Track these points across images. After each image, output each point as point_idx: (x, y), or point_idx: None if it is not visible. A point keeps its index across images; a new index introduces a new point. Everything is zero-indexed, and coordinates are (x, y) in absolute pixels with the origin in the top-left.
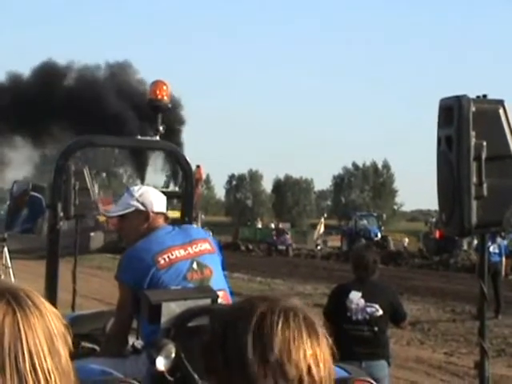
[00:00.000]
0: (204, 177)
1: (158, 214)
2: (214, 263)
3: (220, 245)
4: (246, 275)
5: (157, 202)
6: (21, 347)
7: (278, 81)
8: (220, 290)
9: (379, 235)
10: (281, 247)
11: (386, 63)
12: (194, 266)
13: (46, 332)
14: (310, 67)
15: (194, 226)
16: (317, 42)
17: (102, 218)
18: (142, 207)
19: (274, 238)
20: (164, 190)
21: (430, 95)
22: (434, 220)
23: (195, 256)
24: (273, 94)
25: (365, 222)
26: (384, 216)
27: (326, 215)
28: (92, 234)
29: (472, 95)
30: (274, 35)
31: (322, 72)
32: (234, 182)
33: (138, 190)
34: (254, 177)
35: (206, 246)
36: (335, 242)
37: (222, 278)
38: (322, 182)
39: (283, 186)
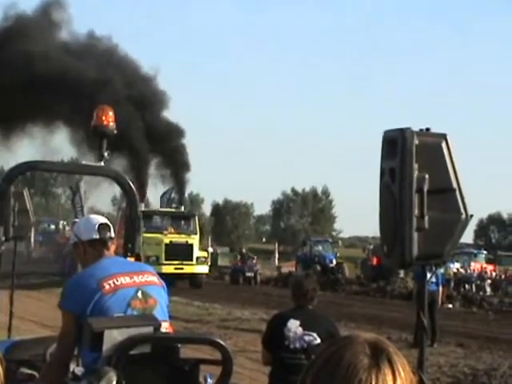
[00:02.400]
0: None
1: (89, 242)
2: (160, 296)
3: (167, 287)
4: (185, 299)
5: (85, 230)
6: None
7: (215, 103)
8: (164, 321)
9: (334, 262)
10: (248, 274)
11: (330, 87)
12: (139, 294)
13: None
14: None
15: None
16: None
17: None
18: (76, 238)
19: (239, 264)
20: (164, 209)
21: (372, 124)
22: (371, 247)
23: (141, 285)
24: (211, 118)
25: (320, 247)
26: (340, 242)
27: (264, 240)
28: None
29: (415, 128)
30: None
31: (260, 95)
32: (174, 205)
33: (77, 221)
34: (195, 200)
35: (153, 278)
36: (289, 267)
37: (165, 311)
38: (262, 207)
39: (222, 210)
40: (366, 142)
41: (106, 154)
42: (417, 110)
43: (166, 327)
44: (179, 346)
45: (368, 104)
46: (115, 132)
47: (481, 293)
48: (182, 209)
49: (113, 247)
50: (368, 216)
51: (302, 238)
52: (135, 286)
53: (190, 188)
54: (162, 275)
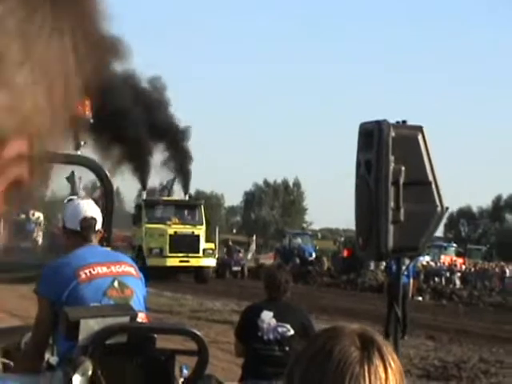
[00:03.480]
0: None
1: (71, 230)
2: (137, 287)
3: (145, 279)
4: (155, 289)
5: (70, 219)
6: None
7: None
8: (140, 311)
9: (314, 255)
10: (235, 268)
11: (306, 80)
12: (115, 284)
13: None
14: (223, 79)
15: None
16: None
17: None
18: (62, 222)
19: (225, 257)
20: (167, 198)
21: (346, 117)
22: (342, 239)
23: (117, 275)
24: (187, 107)
25: (299, 240)
26: (319, 235)
27: (235, 231)
28: None
29: (392, 120)
30: None
31: (233, 86)
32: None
33: (67, 202)
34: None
35: (130, 269)
36: (268, 260)
37: (141, 301)
38: (233, 198)
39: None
40: (339, 134)
41: (82, 142)
42: (392, 102)
43: (142, 318)
44: (155, 336)
45: (341, 96)
46: (91, 121)
47: (451, 286)
48: (187, 198)
49: (97, 237)
50: (339, 208)
51: (282, 231)
52: (112, 275)
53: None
54: (167, 268)
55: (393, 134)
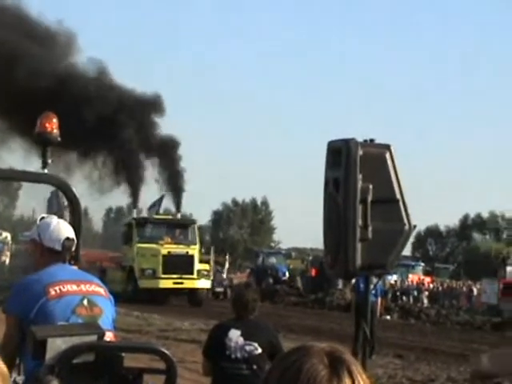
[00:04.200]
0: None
1: (49, 249)
2: (106, 306)
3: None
4: (123, 309)
5: (50, 237)
6: None
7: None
8: (108, 330)
9: (287, 274)
10: (218, 289)
11: (274, 96)
12: (85, 302)
13: None
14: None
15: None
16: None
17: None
18: (37, 238)
19: None
20: (159, 217)
21: (313, 135)
22: (310, 258)
23: (87, 293)
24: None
25: (273, 259)
26: (292, 254)
27: (203, 250)
28: None
29: (359, 139)
30: None
31: (199, 102)
32: (113, 215)
33: (44, 219)
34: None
35: (99, 289)
36: (242, 279)
37: (110, 321)
38: (201, 217)
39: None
40: (307, 152)
41: (49, 161)
42: (360, 120)
43: (110, 337)
44: (123, 355)
45: (309, 115)
46: (59, 139)
47: (418, 304)
48: (179, 216)
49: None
50: (307, 228)
51: (251, 250)
52: (81, 293)
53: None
54: (159, 290)
55: (361, 152)
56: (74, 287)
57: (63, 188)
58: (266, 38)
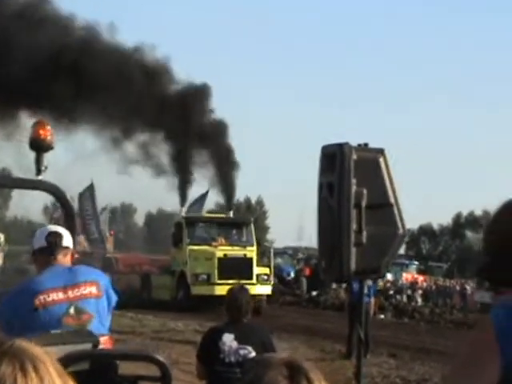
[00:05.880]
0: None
1: (39, 250)
2: (96, 309)
3: (114, 287)
4: (117, 310)
5: (37, 238)
6: None
7: None
8: (101, 335)
9: (292, 274)
10: None
11: (270, 100)
12: (71, 311)
13: None
14: None
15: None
16: None
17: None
18: (32, 248)
19: None
20: (211, 215)
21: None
22: (301, 257)
23: (74, 300)
24: None
25: (278, 260)
26: (299, 254)
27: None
28: None
29: (353, 143)
30: None
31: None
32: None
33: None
34: (127, 210)
35: (90, 289)
36: None
37: (102, 324)
38: None
39: (156, 220)
40: (302, 154)
41: (43, 167)
42: (354, 124)
43: (104, 341)
44: (117, 362)
45: (304, 116)
46: (53, 146)
47: (412, 303)
48: (231, 214)
49: (68, 256)
50: (302, 227)
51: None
52: (68, 301)
53: (124, 198)
54: (215, 297)
55: (355, 156)
56: (61, 295)
57: (57, 195)
58: (260, 40)
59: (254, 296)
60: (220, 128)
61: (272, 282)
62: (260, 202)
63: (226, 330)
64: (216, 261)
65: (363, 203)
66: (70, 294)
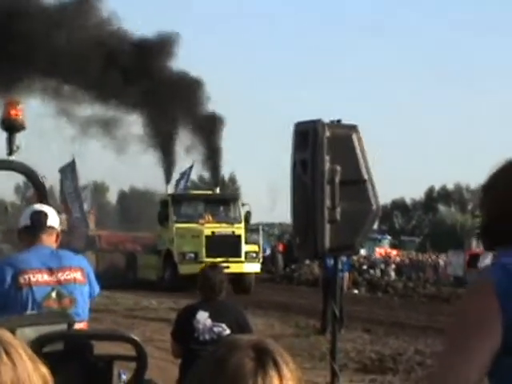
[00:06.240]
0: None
1: (23, 228)
2: (79, 294)
3: (97, 276)
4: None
5: (22, 217)
6: None
7: None
8: (80, 320)
9: (268, 251)
10: None
11: (238, 72)
12: (53, 294)
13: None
14: None
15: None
16: None
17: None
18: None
19: None
20: (197, 192)
21: (280, 114)
22: (277, 233)
23: (58, 284)
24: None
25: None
26: (276, 231)
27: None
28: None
29: (326, 120)
30: None
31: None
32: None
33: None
34: (100, 188)
35: (75, 275)
36: None
37: (82, 310)
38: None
39: (129, 198)
40: (275, 132)
41: (15, 147)
42: (327, 101)
43: (80, 326)
44: (93, 342)
45: (276, 92)
46: (25, 126)
47: (386, 278)
48: (217, 191)
49: (53, 236)
50: (275, 203)
51: None
52: (52, 284)
53: (95, 176)
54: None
55: (327, 133)
56: (46, 277)
57: (30, 175)
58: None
59: (243, 274)
60: (200, 95)
61: (261, 260)
62: (232, 179)
63: (201, 307)
64: (204, 238)
65: (337, 180)
66: (55, 277)
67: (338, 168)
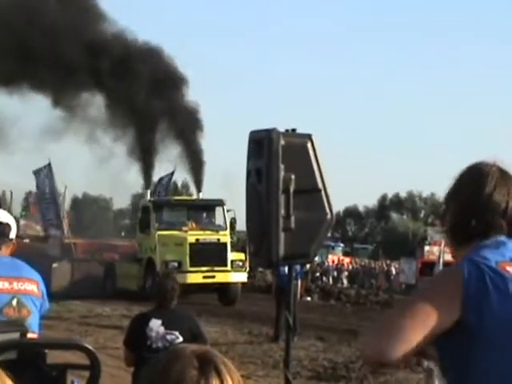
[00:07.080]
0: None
1: None
2: (35, 307)
3: (49, 293)
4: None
5: None
6: None
7: None
8: (33, 332)
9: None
10: None
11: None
12: (14, 302)
13: None
14: None
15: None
16: None
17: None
18: None
19: None
20: (180, 198)
21: (238, 124)
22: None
23: (18, 292)
24: None
25: None
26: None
27: (123, 234)
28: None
29: (281, 129)
30: None
31: None
32: (31, 200)
33: None
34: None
35: (32, 287)
36: None
37: (37, 323)
38: (122, 202)
39: (81, 204)
40: (230, 139)
41: None
42: (282, 110)
43: (33, 336)
44: (46, 351)
45: (232, 103)
46: None
47: (338, 285)
48: (200, 196)
49: (10, 248)
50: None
51: None
52: (12, 292)
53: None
54: (187, 286)
55: (282, 142)
56: (6, 284)
57: None
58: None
59: (229, 284)
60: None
61: (247, 269)
62: (186, 185)
63: (153, 315)
64: (187, 246)
65: (291, 188)
66: (15, 285)
67: (293, 177)
